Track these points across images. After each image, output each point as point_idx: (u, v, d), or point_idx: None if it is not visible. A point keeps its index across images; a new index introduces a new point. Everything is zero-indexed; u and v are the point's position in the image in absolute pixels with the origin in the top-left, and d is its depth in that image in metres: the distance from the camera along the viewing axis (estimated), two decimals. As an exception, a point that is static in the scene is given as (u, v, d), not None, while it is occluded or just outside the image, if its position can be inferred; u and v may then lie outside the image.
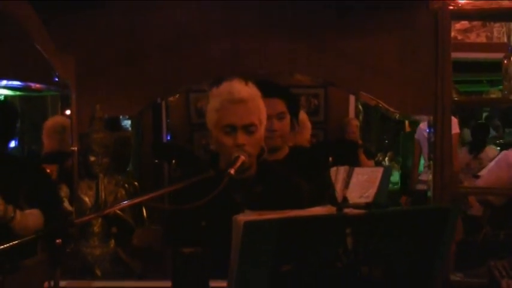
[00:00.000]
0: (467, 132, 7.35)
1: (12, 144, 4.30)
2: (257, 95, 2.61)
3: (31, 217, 3.18)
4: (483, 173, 4.56)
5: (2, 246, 2.03)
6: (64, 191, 4.19)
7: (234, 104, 2.53)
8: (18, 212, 3.09)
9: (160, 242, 3.79)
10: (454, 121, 6.24)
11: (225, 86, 2.59)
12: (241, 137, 2.51)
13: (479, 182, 4.45)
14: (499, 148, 7.27)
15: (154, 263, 3.97)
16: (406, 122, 7.86)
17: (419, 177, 6.65)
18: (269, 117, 3.03)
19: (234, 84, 2.57)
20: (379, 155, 7.19)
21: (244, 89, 2.57)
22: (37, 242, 3.07)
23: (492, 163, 4.50)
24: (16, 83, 4.43)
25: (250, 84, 2.62)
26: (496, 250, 3.94)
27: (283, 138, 3.18)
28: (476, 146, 6.63)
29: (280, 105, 3.18)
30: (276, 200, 2.39)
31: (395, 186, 6.88)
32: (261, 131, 2.62)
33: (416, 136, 6.72)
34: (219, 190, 2.24)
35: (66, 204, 4.07)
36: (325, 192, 3.21)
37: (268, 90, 3.12)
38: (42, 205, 3.24)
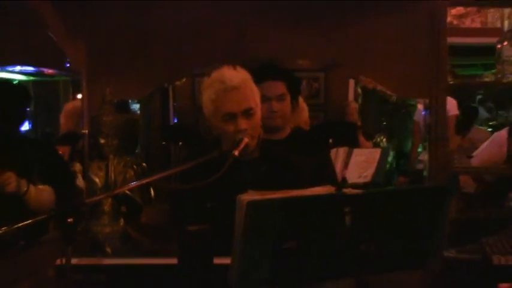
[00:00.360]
0: (461, 114, 7.42)
1: (26, 126, 4.40)
2: (248, 78, 2.61)
3: (45, 193, 3.24)
4: (477, 153, 4.66)
5: (17, 225, 2.12)
6: (77, 168, 4.30)
7: (228, 92, 2.53)
8: (32, 187, 3.14)
9: (167, 220, 3.87)
10: (454, 103, 6.35)
11: (215, 76, 2.58)
12: (242, 122, 2.53)
13: (474, 161, 4.55)
14: (490, 129, 7.34)
15: (162, 241, 4.09)
16: (402, 105, 7.90)
17: (419, 157, 6.74)
18: (269, 99, 3.09)
19: (224, 72, 2.56)
20: (377, 136, 7.24)
21: (235, 75, 2.56)
22: (49, 221, 3.19)
23: (486, 143, 4.61)
24: (29, 68, 4.50)
25: (239, 68, 2.61)
26: (488, 227, 4.05)
27: (283, 118, 3.18)
28: (463, 128, 6.66)
29: (280, 87, 3.17)
30: (278, 181, 2.40)
31: (389, 167, 6.94)
32: (259, 113, 2.62)
33: (415, 118, 6.81)
34: (223, 171, 2.30)
35: (80, 181, 4.18)
36: (325, 172, 3.26)
37: (269, 72, 3.20)
38: (54, 184, 3.31)
